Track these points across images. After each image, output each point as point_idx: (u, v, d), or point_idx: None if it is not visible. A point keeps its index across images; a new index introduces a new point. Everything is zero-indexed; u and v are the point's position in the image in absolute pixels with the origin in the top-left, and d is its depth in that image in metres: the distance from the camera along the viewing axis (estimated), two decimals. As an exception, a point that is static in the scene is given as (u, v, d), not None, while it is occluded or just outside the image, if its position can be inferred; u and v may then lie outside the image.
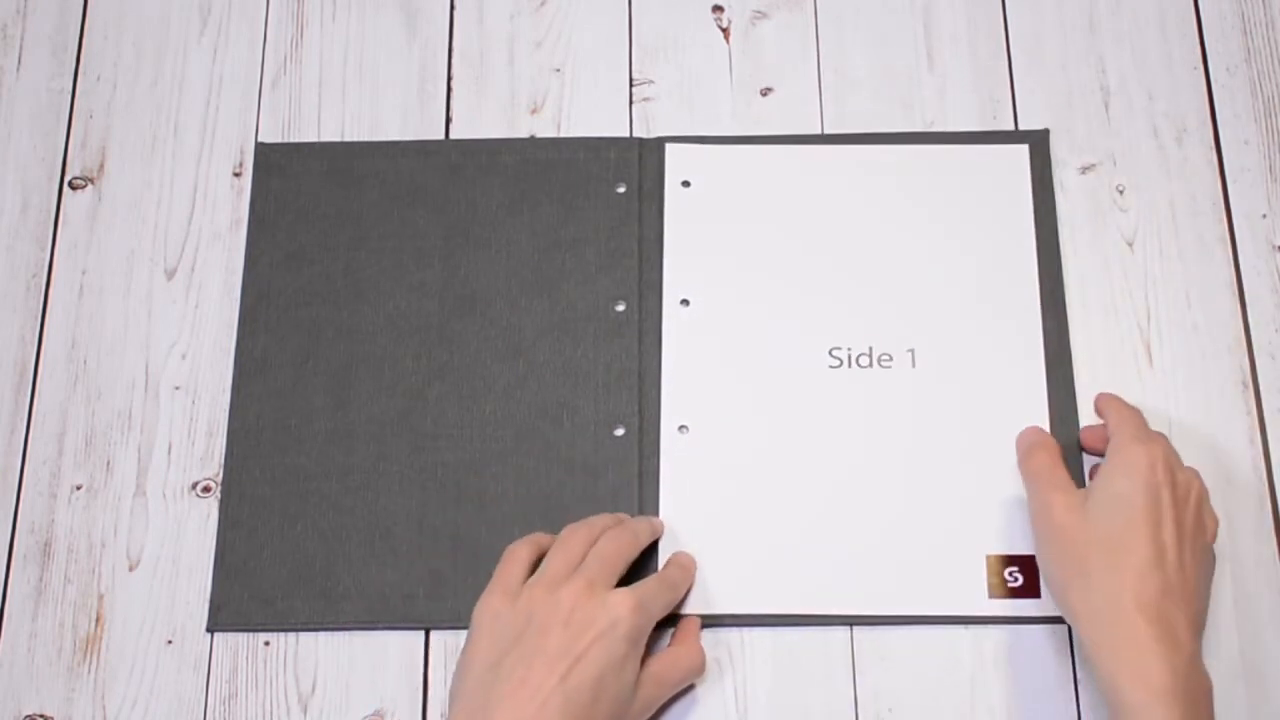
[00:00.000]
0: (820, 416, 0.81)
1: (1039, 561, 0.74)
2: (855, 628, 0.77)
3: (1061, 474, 0.74)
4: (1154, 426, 0.81)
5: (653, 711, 0.73)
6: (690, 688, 0.76)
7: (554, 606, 0.70)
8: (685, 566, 0.76)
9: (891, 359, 0.81)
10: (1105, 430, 0.77)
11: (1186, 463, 0.79)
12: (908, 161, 0.86)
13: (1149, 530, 0.70)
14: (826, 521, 0.78)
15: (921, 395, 0.81)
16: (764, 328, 0.83)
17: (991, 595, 0.76)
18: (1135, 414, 0.76)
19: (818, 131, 0.88)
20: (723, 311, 0.83)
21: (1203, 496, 0.74)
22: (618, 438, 0.81)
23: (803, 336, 0.82)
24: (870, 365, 0.81)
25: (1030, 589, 0.76)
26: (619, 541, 0.74)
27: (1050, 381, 0.81)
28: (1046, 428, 0.79)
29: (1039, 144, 0.86)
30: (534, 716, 0.67)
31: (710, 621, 0.77)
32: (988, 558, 0.77)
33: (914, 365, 0.81)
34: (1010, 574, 0.77)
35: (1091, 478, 0.77)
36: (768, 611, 0.77)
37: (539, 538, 0.76)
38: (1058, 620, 0.75)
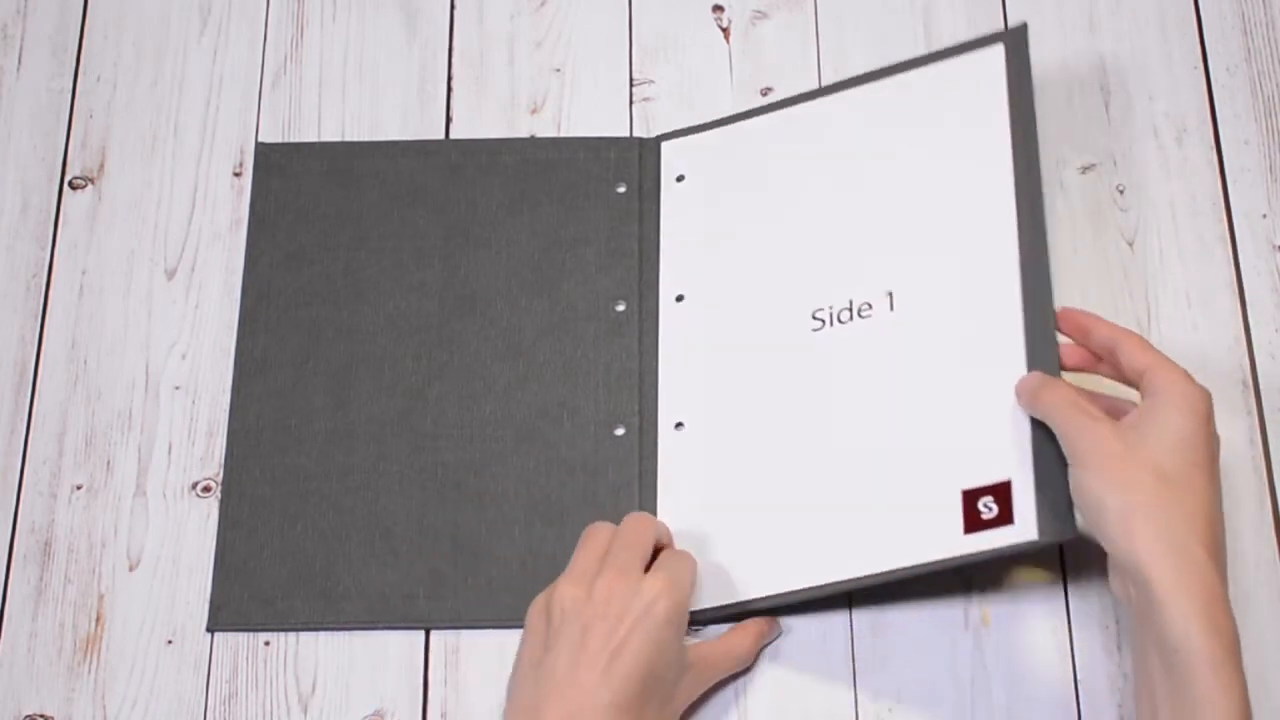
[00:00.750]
0: (808, 385, 0.79)
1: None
2: (855, 629, 0.77)
3: (1093, 405, 0.71)
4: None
5: (699, 694, 0.73)
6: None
7: (589, 600, 0.70)
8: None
9: (871, 307, 0.79)
10: (1093, 352, 0.75)
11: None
12: (890, 98, 0.84)
13: (1211, 473, 0.68)
14: (819, 490, 0.76)
15: (900, 340, 0.78)
16: (752, 310, 0.81)
17: (967, 530, 0.72)
18: (1153, 349, 0.73)
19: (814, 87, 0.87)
20: (715, 303, 0.83)
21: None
22: (618, 437, 0.81)
23: (787, 308, 0.80)
24: (851, 319, 0.79)
25: (1005, 517, 0.72)
26: (639, 525, 0.74)
27: (1026, 303, 0.75)
28: (1021, 352, 0.74)
29: (1016, 43, 0.81)
30: (584, 712, 0.67)
31: (712, 616, 0.76)
32: (963, 493, 0.73)
33: (892, 309, 0.78)
34: (984, 505, 0.72)
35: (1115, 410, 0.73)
36: (768, 593, 0.75)
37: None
38: (1030, 553, 0.72)
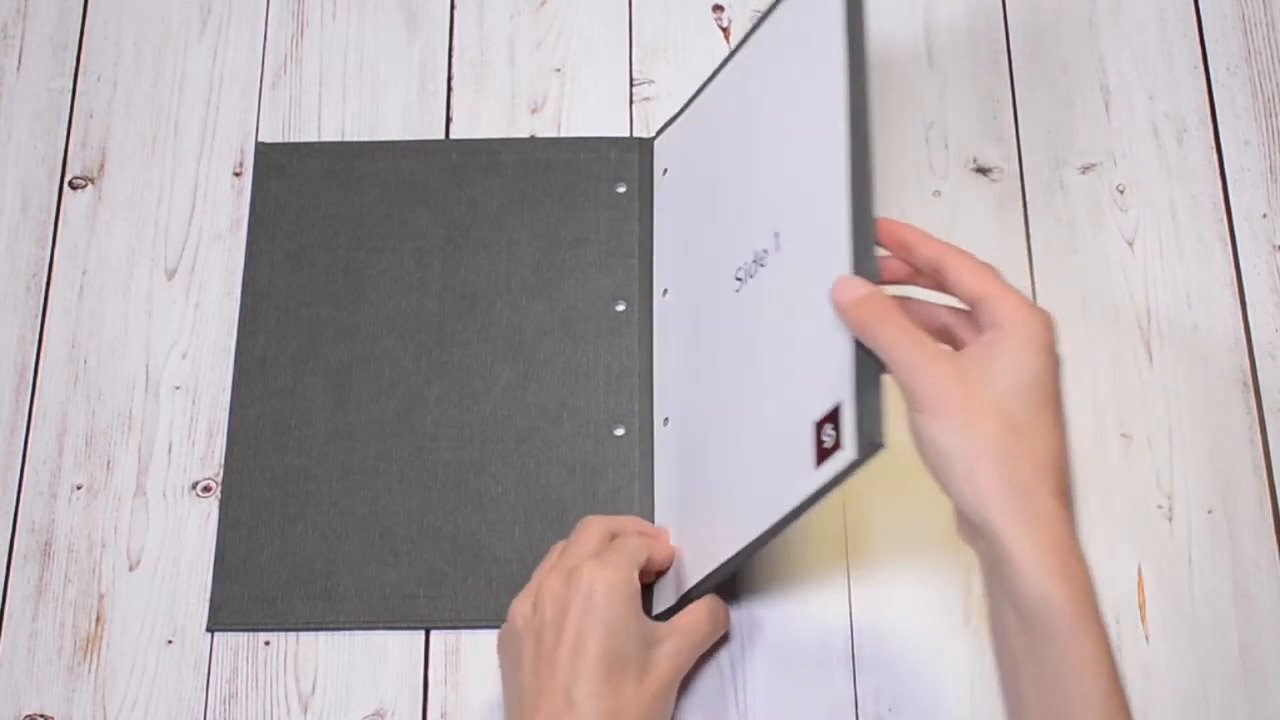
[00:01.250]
0: (732, 349, 0.77)
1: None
2: (855, 629, 0.77)
3: (924, 335, 0.65)
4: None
5: (686, 664, 0.73)
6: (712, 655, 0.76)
7: (535, 613, 0.71)
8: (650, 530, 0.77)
9: (768, 253, 0.76)
10: (912, 265, 0.70)
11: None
12: (760, 48, 0.81)
13: (1057, 412, 0.64)
14: (740, 457, 0.74)
15: (787, 279, 0.74)
16: (709, 291, 0.80)
17: (818, 463, 0.68)
18: (988, 266, 0.68)
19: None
20: (687, 293, 0.82)
21: None
22: (618, 437, 0.81)
23: (723, 278, 0.79)
24: (758, 271, 0.76)
25: (839, 443, 0.67)
26: (586, 528, 0.74)
27: (853, 219, 0.70)
28: (848, 267, 0.69)
29: None
30: (563, 713, 0.67)
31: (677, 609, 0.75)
32: (813, 425, 0.69)
33: (779, 248, 0.75)
34: (826, 434, 0.68)
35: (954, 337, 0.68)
36: (696, 579, 0.74)
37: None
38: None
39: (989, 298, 0.66)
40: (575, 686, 0.68)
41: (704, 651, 0.75)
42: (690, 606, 0.74)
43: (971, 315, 0.67)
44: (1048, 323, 0.65)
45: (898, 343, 0.65)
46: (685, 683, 0.76)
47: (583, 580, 0.70)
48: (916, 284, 0.71)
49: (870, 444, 0.65)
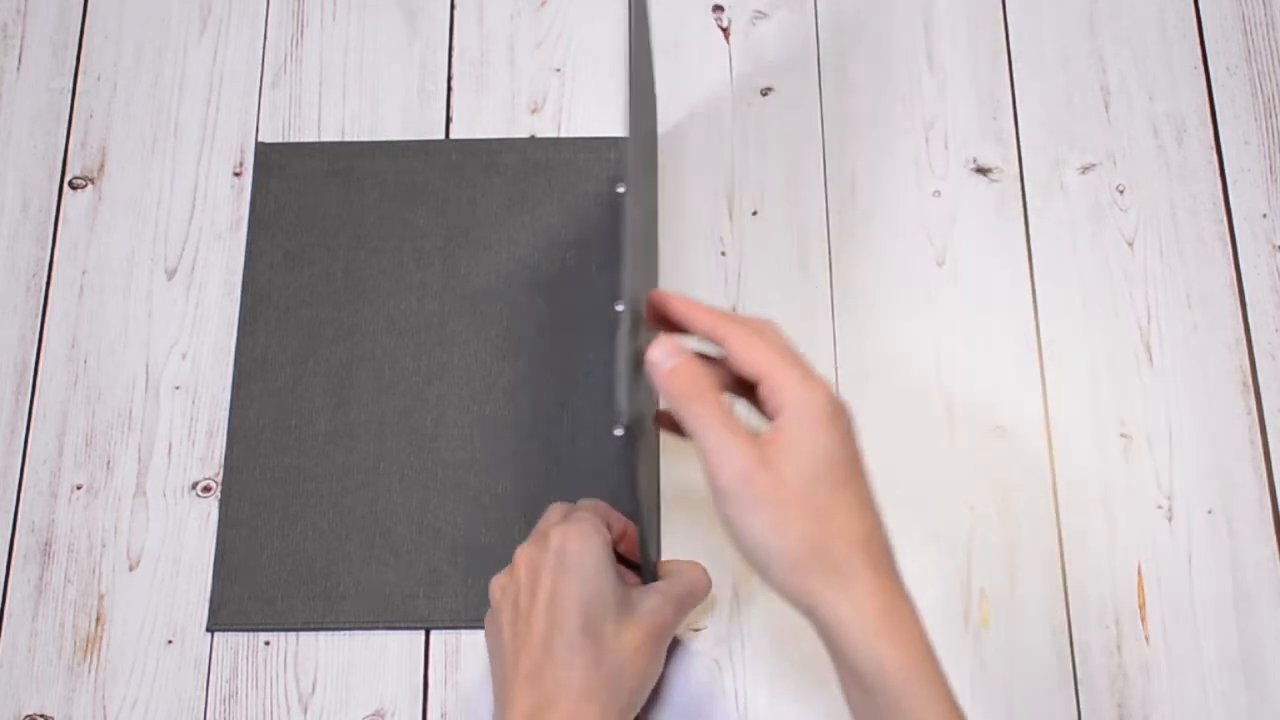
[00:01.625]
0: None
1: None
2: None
3: (733, 418, 0.64)
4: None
5: (670, 622, 0.72)
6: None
7: (511, 580, 0.71)
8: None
9: None
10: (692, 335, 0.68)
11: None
12: None
13: (860, 485, 0.64)
14: None
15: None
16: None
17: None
18: (766, 335, 0.66)
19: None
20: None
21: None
22: (617, 437, 0.81)
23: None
24: None
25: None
26: (550, 512, 0.75)
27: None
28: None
29: None
30: (543, 667, 0.67)
31: None
32: None
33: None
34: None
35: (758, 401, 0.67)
36: None
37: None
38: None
39: (768, 379, 0.65)
40: (553, 638, 0.68)
41: (689, 613, 0.74)
42: (670, 569, 0.74)
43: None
44: (827, 395, 0.64)
45: (707, 429, 0.64)
46: (685, 683, 0.76)
47: (553, 539, 0.70)
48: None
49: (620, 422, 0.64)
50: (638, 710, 0.71)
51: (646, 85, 0.78)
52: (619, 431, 0.69)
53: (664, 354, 0.66)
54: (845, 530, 0.63)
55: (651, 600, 0.71)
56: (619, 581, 0.71)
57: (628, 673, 0.69)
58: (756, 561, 0.64)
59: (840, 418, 0.64)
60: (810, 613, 0.63)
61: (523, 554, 0.72)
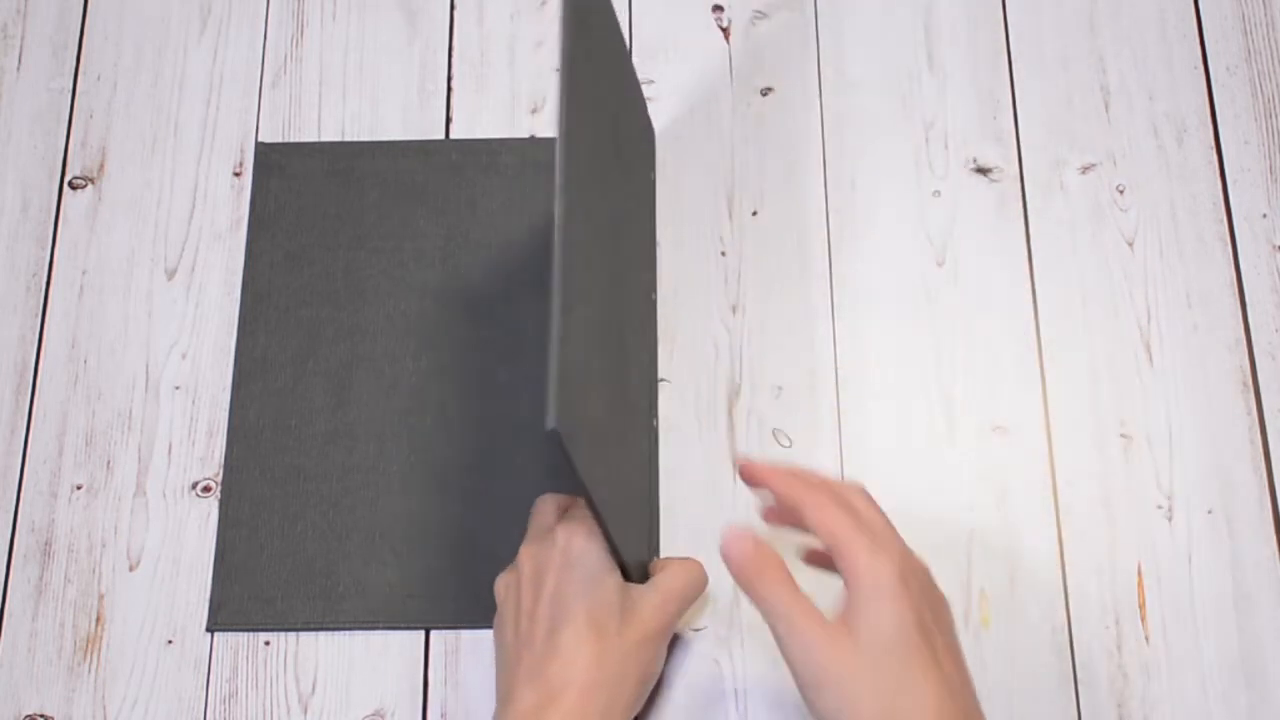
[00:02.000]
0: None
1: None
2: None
3: (800, 597, 0.65)
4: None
5: (671, 621, 0.72)
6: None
7: (516, 577, 0.72)
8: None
9: None
10: (783, 506, 0.70)
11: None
12: None
13: (930, 657, 0.64)
14: None
15: None
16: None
17: None
18: (842, 501, 0.68)
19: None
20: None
21: (933, 582, 0.68)
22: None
23: None
24: None
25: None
26: (540, 504, 0.76)
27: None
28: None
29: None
30: (547, 660, 0.68)
31: None
32: None
33: None
34: None
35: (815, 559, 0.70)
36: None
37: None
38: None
39: (837, 549, 0.65)
40: (556, 634, 0.68)
41: (688, 609, 0.74)
42: (668, 566, 0.74)
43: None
44: (893, 565, 0.64)
45: (775, 611, 0.65)
46: (685, 683, 0.76)
47: (558, 538, 0.71)
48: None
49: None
50: (639, 708, 0.71)
51: (609, 83, 0.77)
52: (551, 426, 0.68)
53: (731, 541, 0.67)
54: (917, 704, 0.63)
55: (654, 598, 0.71)
56: (622, 579, 0.71)
57: (631, 670, 0.69)
58: None
59: (902, 592, 0.64)
60: None
61: (526, 552, 0.72)
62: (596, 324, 0.67)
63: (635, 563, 0.73)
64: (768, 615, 0.66)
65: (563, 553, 0.70)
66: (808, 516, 0.67)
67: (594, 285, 0.70)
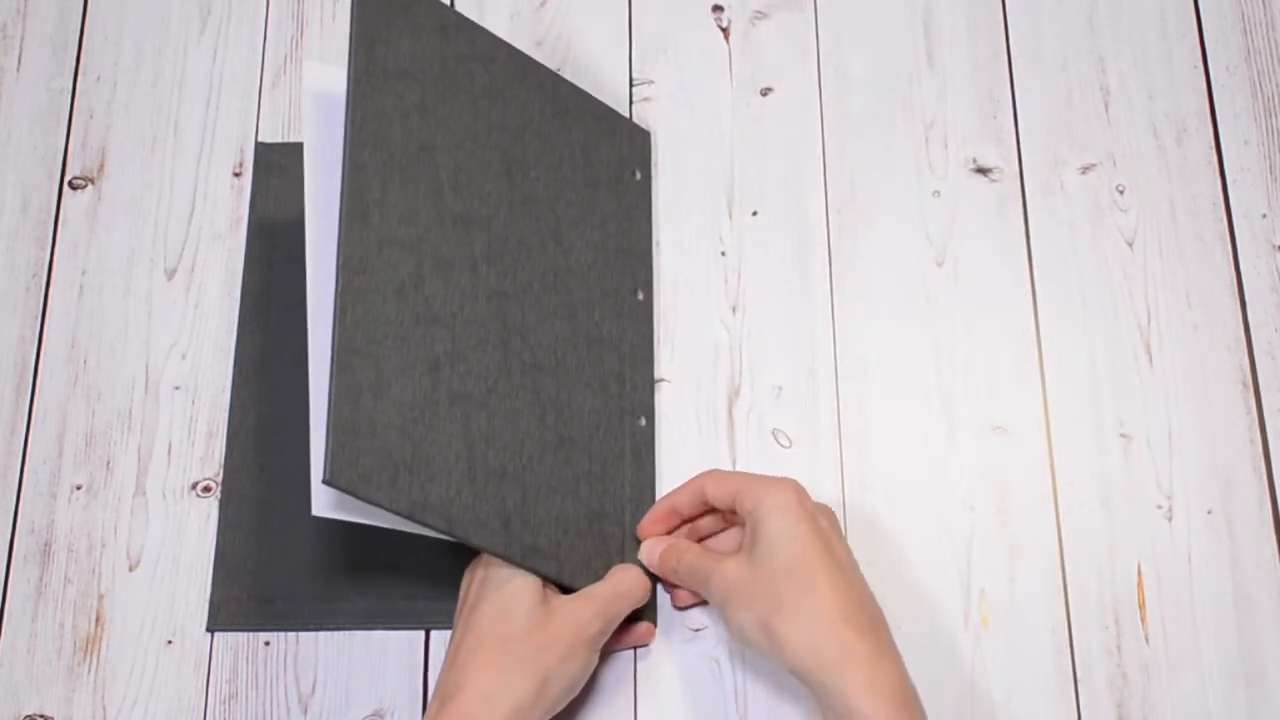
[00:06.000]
0: None
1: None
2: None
3: (713, 552, 0.74)
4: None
5: (592, 627, 0.72)
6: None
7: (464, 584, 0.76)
8: None
9: None
10: (703, 496, 0.76)
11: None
12: None
13: (824, 554, 0.69)
14: None
15: None
16: None
17: None
18: (735, 473, 0.77)
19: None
20: None
21: (837, 520, 0.75)
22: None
23: None
24: None
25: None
26: None
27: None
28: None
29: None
30: (450, 686, 0.70)
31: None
32: None
33: None
34: None
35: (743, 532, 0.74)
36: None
37: None
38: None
39: (738, 492, 0.73)
40: (461, 644, 0.71)
41: (619, 618, 0.74)
42: (610, 573, 0.75)
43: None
44: (788, 488, 0.72)
45: (694, 566, 0.73)
46: (685, 683, 0.76)
47: (490, 559, 0.74)
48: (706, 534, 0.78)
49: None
50: (559, 705, 0.71)
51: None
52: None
53: (646, 550, 0.76)
54: (827, 600, 0.68)
55: (570, 605, 0.73)
56: (540, 593, 0.72)
57: (534, 673, 0.70)
58: (766, 648, 0.69)
59: (801, 504, 0.71)
60: (803, 677, 0.68)
61: (466, 573, 0.76)
62: (427, 349, 0.72)
63: (583, 573, 0.75)
64: (691, 574, 0.73)
65: (485, 569, 0.74)
66: (708, 487, 0.75)
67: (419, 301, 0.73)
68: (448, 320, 0.74)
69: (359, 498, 0.68)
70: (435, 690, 0.71)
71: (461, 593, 0.75)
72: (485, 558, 0.74)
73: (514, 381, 0.76)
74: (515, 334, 0.77)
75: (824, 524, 0.71)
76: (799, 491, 0.72)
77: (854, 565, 0.71)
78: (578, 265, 0.81)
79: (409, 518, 0.69)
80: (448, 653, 0.72)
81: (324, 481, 0.67)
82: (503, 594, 0.72)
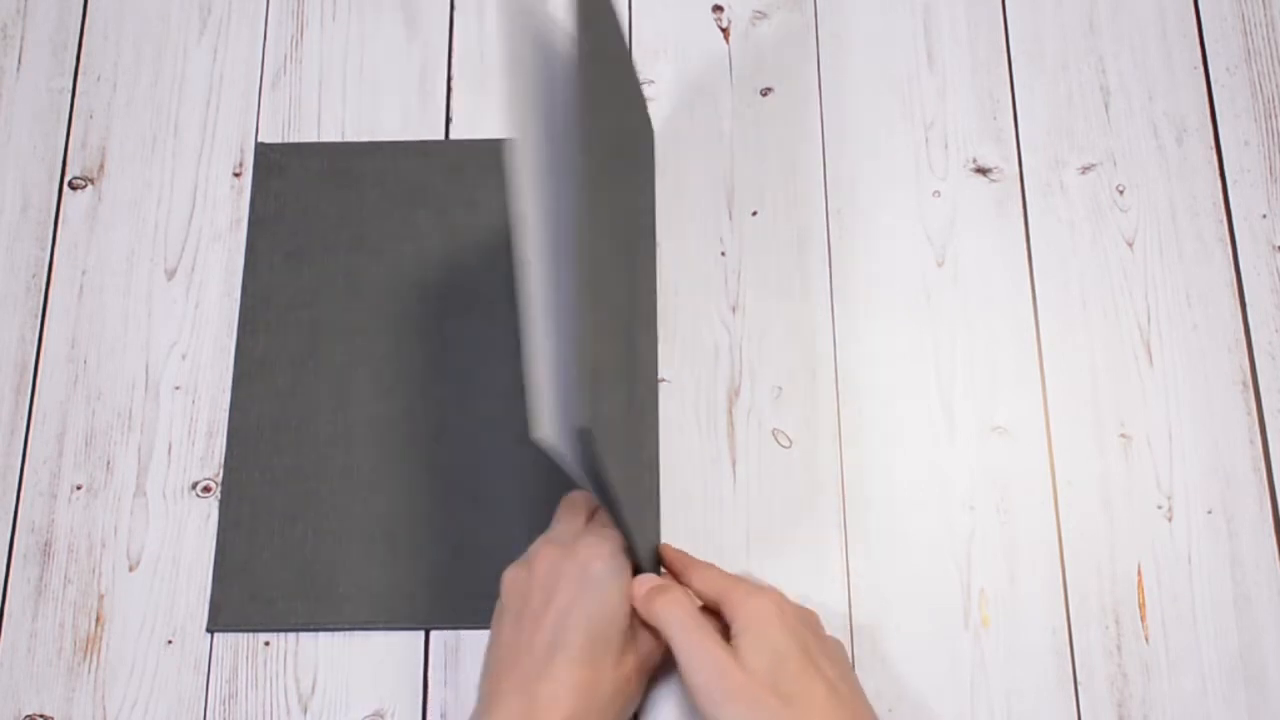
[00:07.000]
0: None
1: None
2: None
3: (704, 622, 0.70)
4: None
5: (659, 656, 0.73)
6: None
7: (530, 575, 0.71)
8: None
9: None
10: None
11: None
12: None
13: (818, 673, 0.68)
14: None
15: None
16: None
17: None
18: (722, 574, 0.75)
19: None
20: None
21: (821, 626, 0.74)
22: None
23: None
24: None
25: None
26: (572, 501, 0.76)
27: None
28: None
29: None
30: (534, 676, 0.68)
31: None
32: None
33: None
34: None
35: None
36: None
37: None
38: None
39: (722, 598, 0.72)
40: (556, 652, 0.68)
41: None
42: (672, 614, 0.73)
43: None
44: (769, 602, 0.70)
45: (681, 633, 0.70)
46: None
47: (580, 552, 0.71)
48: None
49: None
50: None
51: (615, 82, 0.77)
52: (584, 425, 0.68)
53: (639, 584, 0.72)
54: (810, 711, 0.67)
55: (648, 646, 0.72)
56: (630, 607, 0.71)
57: (615, 702, 0.70)
58: None
59: (786, 615, 0.70)
60: None
61: (545, 553, 0.71)
62: (613, 322, 0.67)
63: (648, 563, 0.74)
64: (674, 638, 0.70)
65: (582, 570, 0.70)
66: (692, 579, 0.73)
67: (613, 283, 0.70)
68: (630, 317, 0.74)
69: (596, 451, 0.64)
70: (513, 681, 0.68)
71: (539, 575, 0.71)
72: (572, 545, 0.71)
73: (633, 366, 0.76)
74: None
75: (810, 642, 0.70)
76: (780, 603, 0.70)
77: (841, 676, 0.70)
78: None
79: (608, 483, 0.66)
80: (523, 636, 0.69)
81: (581, 427, 0.62)
82: (601, 608, 0.70)
